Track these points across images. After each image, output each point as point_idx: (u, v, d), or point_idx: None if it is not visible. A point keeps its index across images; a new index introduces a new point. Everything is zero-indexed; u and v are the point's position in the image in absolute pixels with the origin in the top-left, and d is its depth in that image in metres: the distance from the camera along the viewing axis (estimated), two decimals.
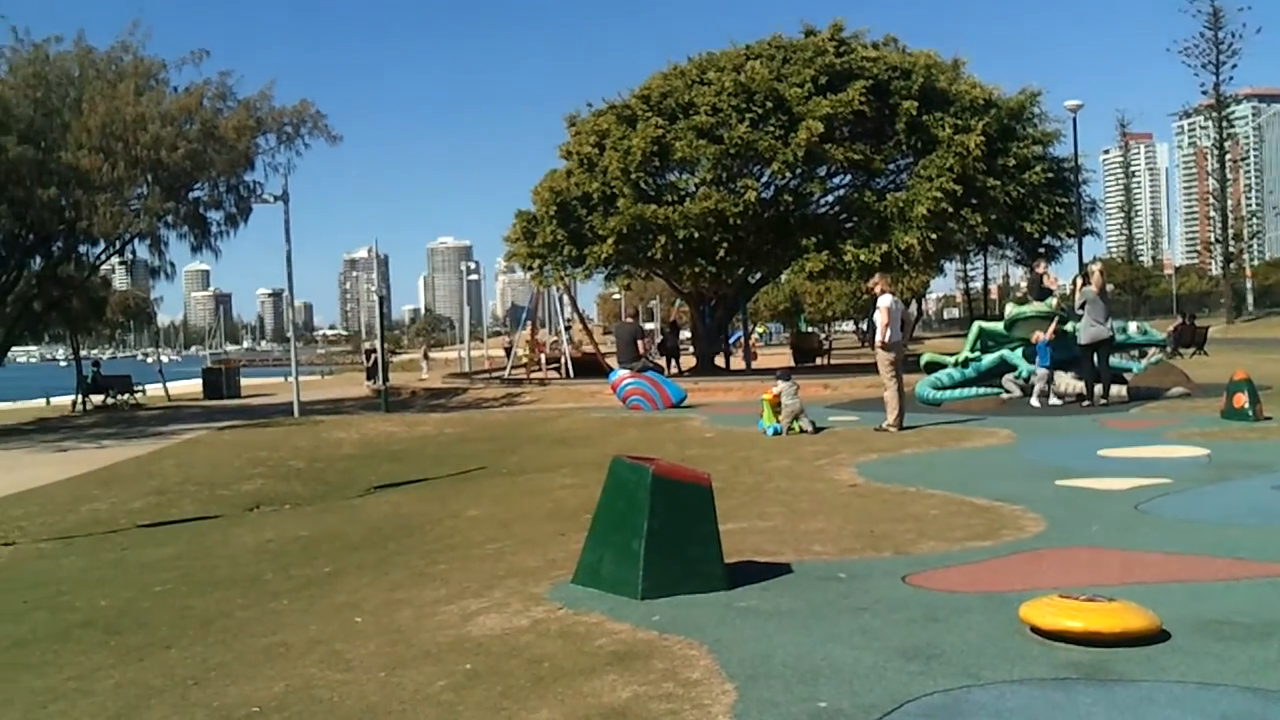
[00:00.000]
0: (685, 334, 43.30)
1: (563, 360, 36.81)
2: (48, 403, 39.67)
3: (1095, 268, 17.47)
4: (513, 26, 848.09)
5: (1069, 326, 17.52)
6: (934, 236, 28.21)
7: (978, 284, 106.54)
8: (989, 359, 18.76)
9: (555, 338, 41.15)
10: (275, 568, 8.58)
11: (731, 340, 42.22)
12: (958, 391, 18.42)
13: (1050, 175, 30.37)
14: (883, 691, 4.21)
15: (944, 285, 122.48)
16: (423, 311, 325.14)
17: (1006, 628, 4.96)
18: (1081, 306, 16.45)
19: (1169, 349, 27.61)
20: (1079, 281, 17.44)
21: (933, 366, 19.63)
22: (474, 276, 64.89)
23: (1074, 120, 32.94)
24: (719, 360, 36.07)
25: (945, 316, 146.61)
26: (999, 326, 19.23)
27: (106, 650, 6.34)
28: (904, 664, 4.54)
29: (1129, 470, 9.91)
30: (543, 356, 38.57)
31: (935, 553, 6.82)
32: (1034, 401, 17.12)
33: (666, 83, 30.74)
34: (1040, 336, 17.40)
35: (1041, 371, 17.34)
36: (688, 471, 6.38)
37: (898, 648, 4.78)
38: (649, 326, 47.79)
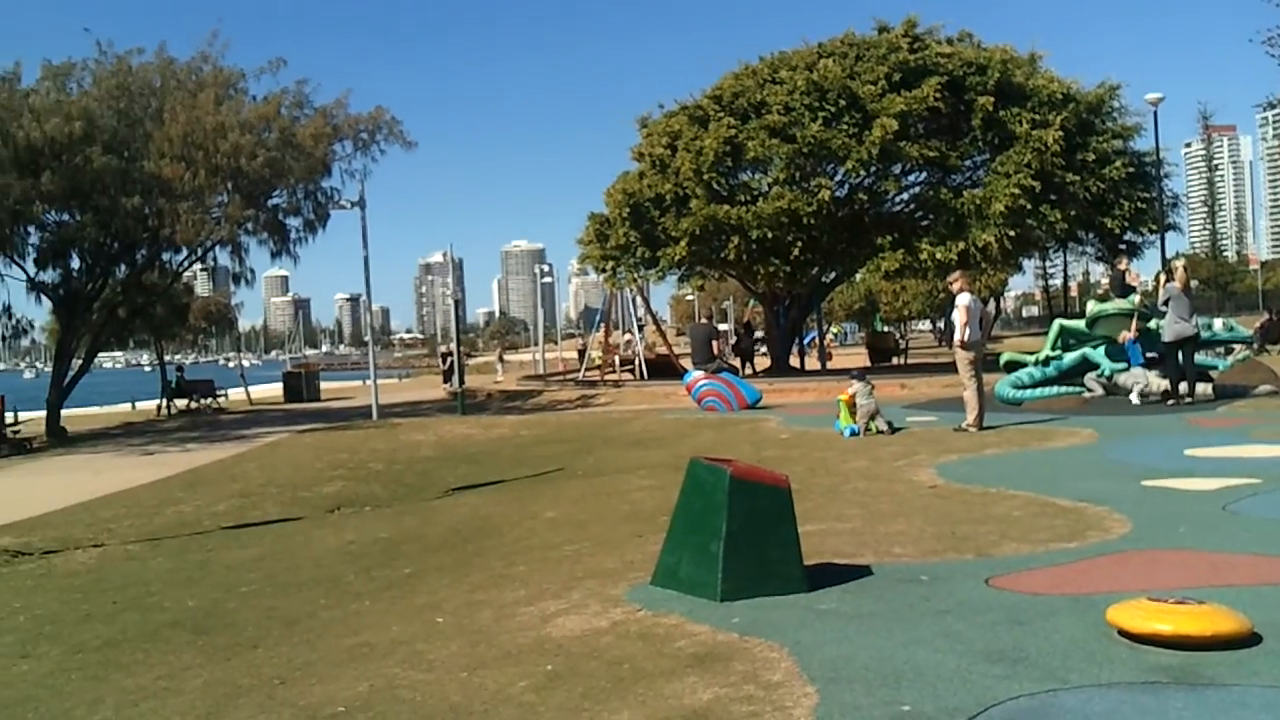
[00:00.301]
0: (759, 334, 43.15)
1: (636, 362, 36.86)
2: (133, 407, 40.55)
3: (1179, 264, 17.13)
4: (584, 30, 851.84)
5: (1152, 324, 17.19)
6: (1012, 233, 27.78)
7: (1057, 281, 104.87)
8: (1070, 357, 18.46)
9: (628, 338, 41.22)
10: (357, 569, 8.69)
11: (806, 340, 42.01)
12: (1038, 391, 18.15)
13: (1131, 170, 29.77)
14: (967, 695, 4.16)
15: (1022, 283, 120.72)
16: (497, 314, 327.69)
17: (1093, 631, 4.88)
18: (1165, 304, 16.13)
19: (1255, 345, 26.95)
20: (1162, 278, 17.11)
21: (1013, 365, 19.38)
22: (548, 279, 65.32)
23: (1155, 113, 32.31)
24: (794, 361, 35.91)
25: (1024, 314, 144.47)
26: (1080, 324, 18.91)
27: (194, 650, 6.47)
28: (988, 667, 4.48)
29: (1217, 470, 9.70)
30: (616, 358, 38.67)
31: (1019, 555, 6.73)
32: (1134, 399, 16.78)
33: (738, 82, 30.61)
34: (1126, 336, 17.12)
35: (1137, 370, 17.06)
36: (766, 473, 6.35)
37: (982, 651, 4.72)
38: (723, 327, 47.63)
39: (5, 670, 6.37)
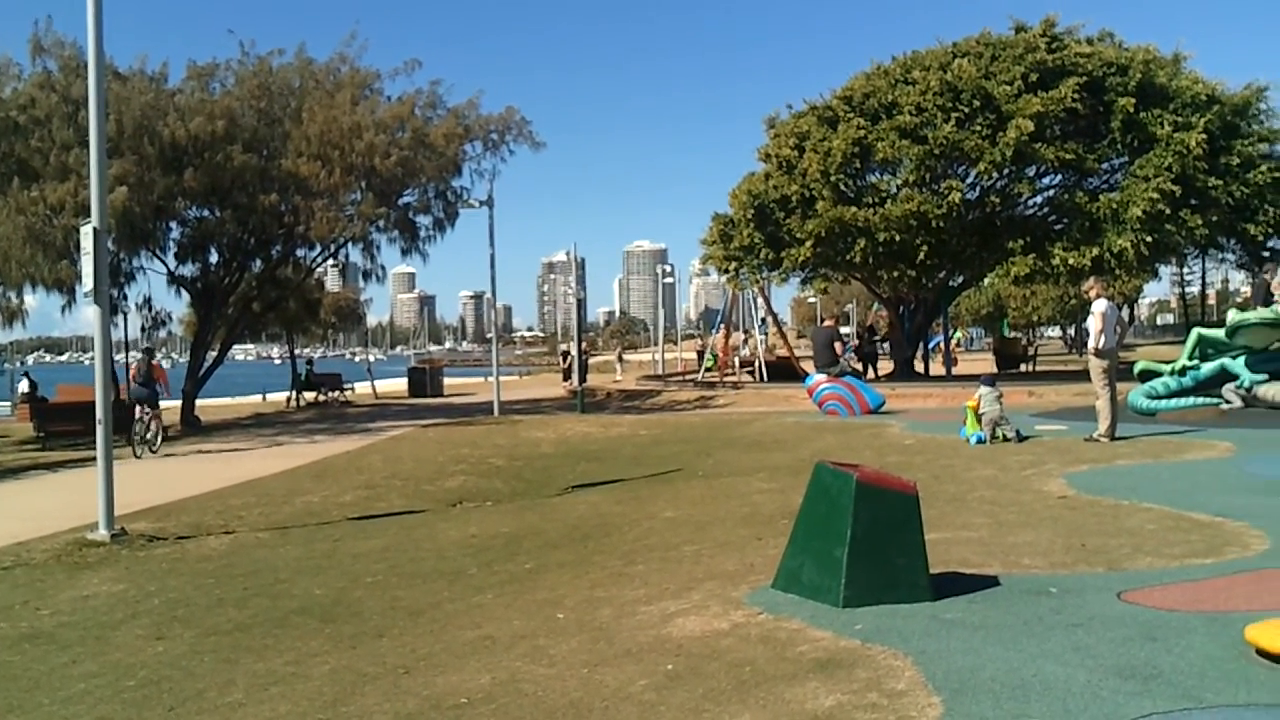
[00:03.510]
0: (880, 338, 42.65)
1: (757, 364, 36.72)
2: (264, 399, 41.76)
3: None
4: (712, 29, 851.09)
5: None
6: (1149, 239, 26.98)
7: (1194, 289, 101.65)
8: (1208, 367, 17.86)
9: (747, 336, 41.08)
10: (479, 562, 8.80)
11: (931, 345, 41.41)
12: (1174, 401, 17.60)
13: (1277, 175, 28.70)
14: (1097, 711, 4.06)
15: (1158, 290, 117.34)
16: (618, 314, 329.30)
17: (1230, 649, 4.72)
18: None
19: None
20: None
21: (1147, 375, 18.82)
22: (669, 279, 65.32)
23: None
24: (918, 366, 35.43)
25: (1158, 322, 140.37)
26: (1220, 334, 18.28)
27: (322, 637, 6.62)
28: (1120, 683, 4.36)
29: None
30: (737, 359, 38.58)
31: (1152, 569, 6.53)
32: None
33: (869, 83, 30.30)
34: None
35: None
36: (893, 479, 6.27)
37: (1113, 666, 4.59)
38: (845, 331, 47.20)
39: (141, 651, 6.58)
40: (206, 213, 27.62)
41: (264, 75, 27.37)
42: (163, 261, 28.55)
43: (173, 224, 27.72)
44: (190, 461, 19.03)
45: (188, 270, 29.27)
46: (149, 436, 20.18)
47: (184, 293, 29.95)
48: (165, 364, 37.75)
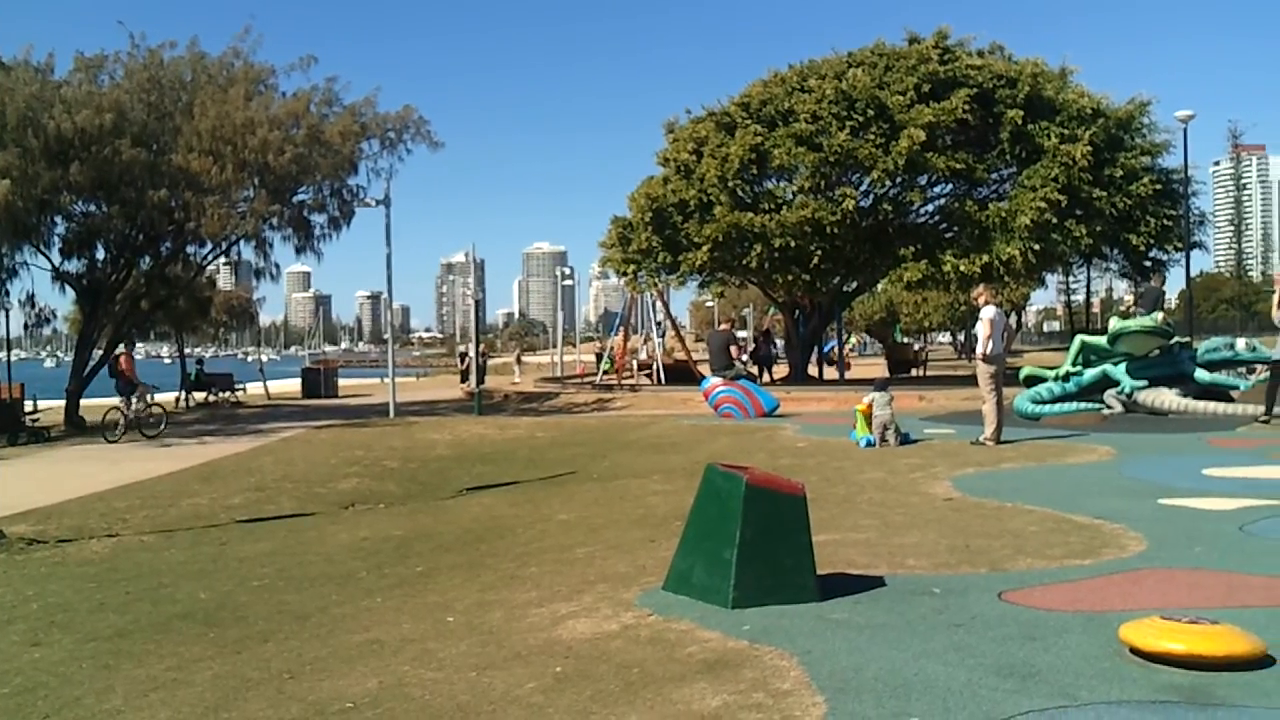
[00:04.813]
0: (779, 342, 43.11)
1: (655, 366, 36.86)
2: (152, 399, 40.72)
3: None
4: (613, 33, 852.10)
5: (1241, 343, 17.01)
6: (1036, 248, 27.65)
7: (1079, 297, 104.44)
8: (1091, 374, 18.38)
9: (646, 339, 41.22)
10: (369, 566, 8.71)
11: (825, 350, 41.95)
12: (1058, 406, 18.07)
13: (1158, 187, 29.57)
14: (976, 709, 4.14)
15: (1044, 298, 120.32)
16: (517, 316, 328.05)
17: (1105, 648, 4.86)
18: None
19: None
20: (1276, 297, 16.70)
21: (1032, 380, 19.28)
22: (568, 282, 65.20)
23: (1184, 131, 32.19)
24: (812, 370, 35.85)
25: (1045, 329, 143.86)
26: (1102, 341, 18.82)
27: (205, 642, 6.49)
28: (999, 682, 4.46)
29: (1235, 490, 9.62)
30: (634, 362, 38.69)
31: (1033, 570, 6.69)
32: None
33: (766, 90, 30.58)
34: None
35: (1160, 389, 17.13)
36: (782, 481, 6.34)
37: (992, 665, 4.70)
38: (742, 334, 47.59)
39: (17, 658, 6.39)
40: (93, 208, 26.87)
41: (155, 68, 26.70)
42: (47, 257, 27.72)
43: (58, 219, 26.91)
44: (74, 463, 18.51)
45: (73, 266, 28.46)
46: (142, 426, 22.24)
47: (69, 289, 29.12)
48: (50, 363, 36.57)
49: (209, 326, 42.31)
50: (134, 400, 22.62)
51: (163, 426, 22.94)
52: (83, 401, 27.91)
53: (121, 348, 26.35)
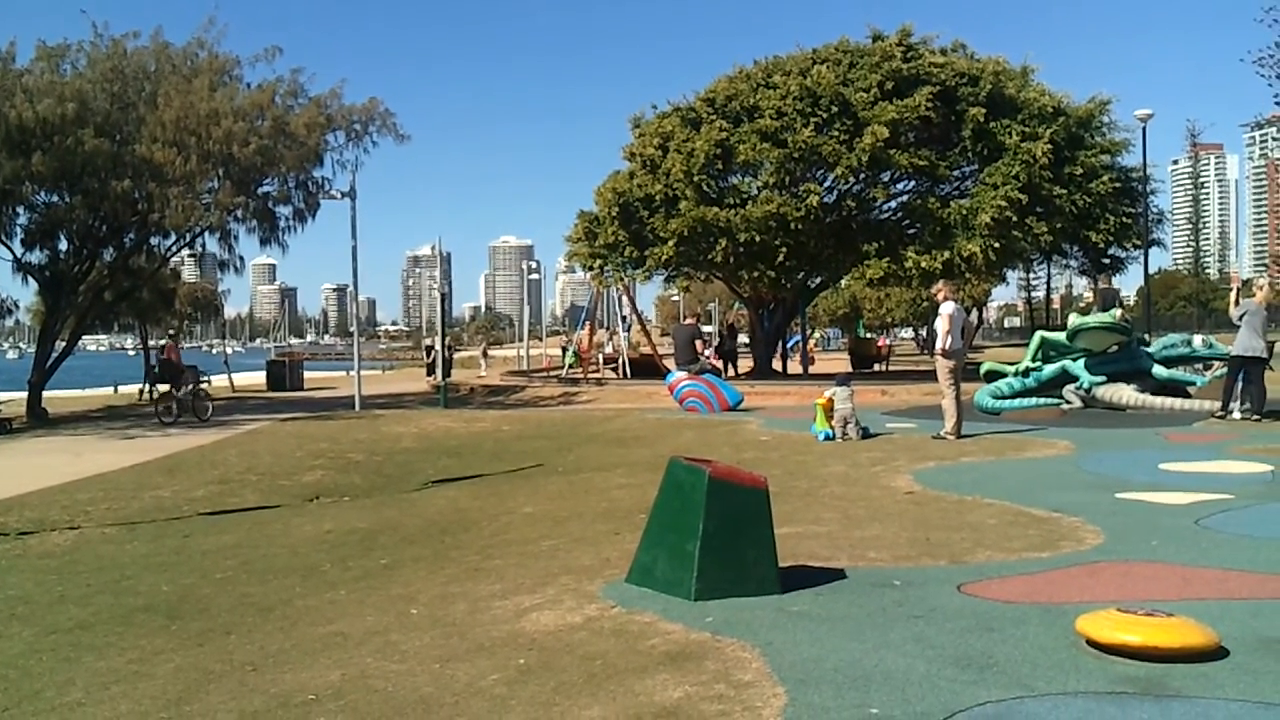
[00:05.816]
0: (743, 337, 43.22)
1: (620, 360, 36.89)
2: (115, 391, 40.42)
3: (1264, 281, 17.08)
4: (579, 27, 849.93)
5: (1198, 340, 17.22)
6: (997, 245, 27.89)
7: (1040, 293, 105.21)
8: (1050, 369, 18.57)
9: (612, 334, 41.23)
10: (333, 558, 8.70)
11: (789, 345, 42.11)
12: (1017, 401, 18.26)
13: (1118, 185, 29.94)
14: (935, 700, 4.20)
15: (1005, 294, 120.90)
16: (483, 309, 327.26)
17: (1062, 640, 4.93)
18: (1240, 318, 15.90)
19: None
20: (1238, 294, 16.76)
21: (993, 375, 19.46)
22: (535, 275, 65.00)
23: (1144, 130, 32.59)
24: (776, 364, 36.00)
25: (1005, 325, 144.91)
26: (1061, 336, 19.02)
27: (167, 635, 6.47)
28: (957, 673, 4.53)
29: (1190, 485, 9.76)
30: (600, 356, 38.70)
31: (992, 562, 6.78)
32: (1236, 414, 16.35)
33: (732, 86, 30.64)
34: None
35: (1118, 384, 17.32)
36: (745, 474, 6.39)
37: (951, 656, 4.76)
38: (707, 329, 47.68)
39: None
40: (56, 198, 26.59)
41: (118, 58, 26.45)
42: (9, 248, 27.41)
43: (19, 209, 26.63)
44: (36, 455, 18.36)
45: (35, 257, 28.19)
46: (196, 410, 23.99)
47: (31, 280, 28.83)
48: (12, 354, 36.17)
49: (173, 318, 42.01)
50: (183, 386, 24.59)
51: (209, 412, 24.52)
52: (45, 394, 27.66)
53: (168, 338, 28.97)
